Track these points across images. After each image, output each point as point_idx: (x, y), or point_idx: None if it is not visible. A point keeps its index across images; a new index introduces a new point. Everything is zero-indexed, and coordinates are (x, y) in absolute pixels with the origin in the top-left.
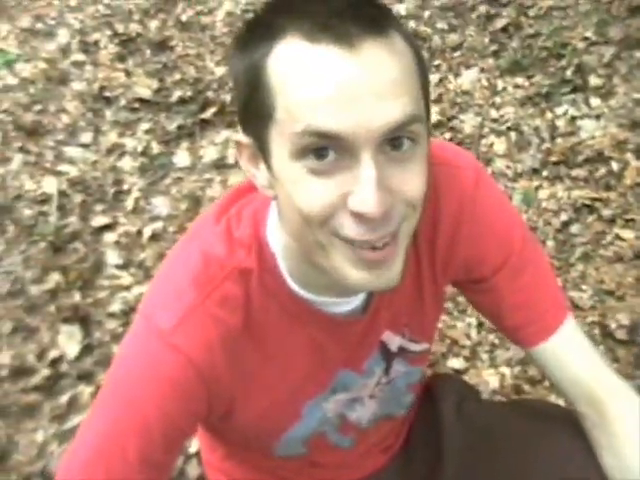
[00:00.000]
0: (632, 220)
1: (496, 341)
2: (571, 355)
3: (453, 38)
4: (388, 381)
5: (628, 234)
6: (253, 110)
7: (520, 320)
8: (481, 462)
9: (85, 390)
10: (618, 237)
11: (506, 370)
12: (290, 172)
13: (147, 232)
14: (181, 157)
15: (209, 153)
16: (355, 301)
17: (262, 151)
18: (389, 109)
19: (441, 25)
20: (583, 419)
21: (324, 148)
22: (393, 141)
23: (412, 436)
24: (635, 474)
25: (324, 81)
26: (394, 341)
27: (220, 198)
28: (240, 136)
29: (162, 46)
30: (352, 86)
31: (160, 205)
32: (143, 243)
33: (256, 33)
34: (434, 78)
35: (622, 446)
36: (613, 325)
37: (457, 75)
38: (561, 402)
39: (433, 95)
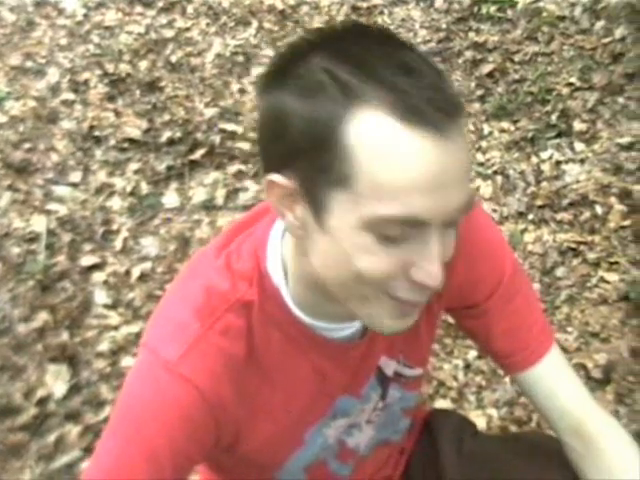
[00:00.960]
0: (616, 263)
1: (483, 383)
2: (558, 384)
3: None
4: (384, 406)
5: (612, 277)
6: (313, 163)
7: (509, 345)
8: None
9: (72, 430)
10: (603, 280)
11: (493, 411)
12: (355, 238)
13: (136, 272)
14: (170, 198)
15: (198, 194)
16: (354, 326)
17: (312, 202)
18: (463, 193)
19: None
20: (569, 450)
21: None
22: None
23: (411, 468)
24: None
25: (420, 170)
26: (390, 366)
27: (219, 235)
28: (275, 177)
29: (152, 87)
30: (443, 175)
31: (149, 245)
32: (131, 283)
33: (318, 80)
34: None
35: None
36: (590, 365)
37: None
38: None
39: None
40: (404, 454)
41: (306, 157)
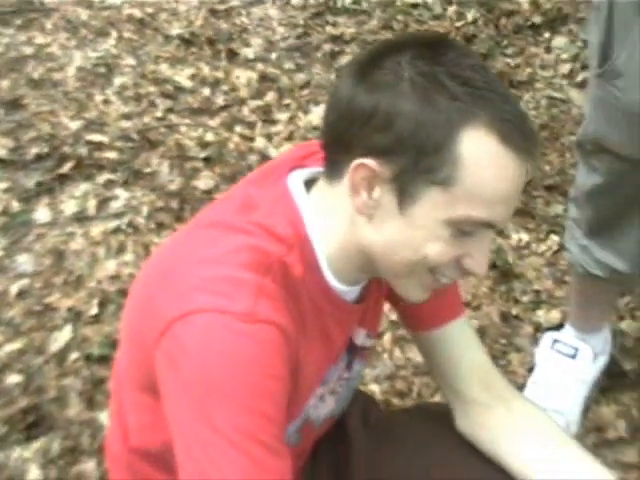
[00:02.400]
0: None
1: None
2: (475, 339)
3: (301, 77)
4: (347, 378)
5: None
6: (417, 161)
7: (438, 298)
8: (386, 462)
9: None
10: None
11: (375, 387)
12: (434, 229)
13: (13, 290)
14: (42, 213)
15: (69, 207)
16: (358, 289)
17: (401, 191)
18: None
19: (288, 65)
20: (473, 403)
21: None
22: None
23: (320, 443)
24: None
25: (508, 186)
26: (360, 336)
27: (225, 200)
28: (368, 161)
29: (15, 105)
30: (518, 191)
31: (24, 262)
32: (10, 301)
33: (432, 88)
34: (284, 117)
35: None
36: None
37: (306, 112)
38: None
39: (285, 133)
40: None
41: (410, 154)
